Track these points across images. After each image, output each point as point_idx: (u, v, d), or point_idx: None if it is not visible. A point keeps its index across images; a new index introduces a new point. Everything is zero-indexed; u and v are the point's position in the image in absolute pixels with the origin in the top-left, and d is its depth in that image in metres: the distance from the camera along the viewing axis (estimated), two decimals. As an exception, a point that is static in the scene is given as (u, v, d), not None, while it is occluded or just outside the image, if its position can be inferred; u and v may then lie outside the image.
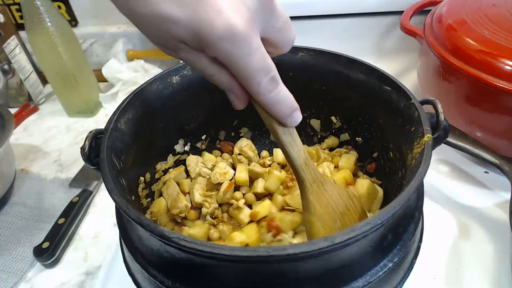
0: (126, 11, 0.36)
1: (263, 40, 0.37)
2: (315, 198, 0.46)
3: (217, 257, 0.33)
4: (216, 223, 0.59)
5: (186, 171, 0.66)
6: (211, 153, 0.70)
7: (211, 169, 0.64)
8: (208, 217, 0.59)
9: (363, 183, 0.56)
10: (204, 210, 0.59)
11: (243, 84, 0.38)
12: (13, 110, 0.96)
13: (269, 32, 0.38)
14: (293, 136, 0.45)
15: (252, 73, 0.36)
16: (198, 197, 0.60)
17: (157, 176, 0.63)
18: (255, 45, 0.35)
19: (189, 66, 0.59)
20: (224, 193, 0.59)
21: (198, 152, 0.69)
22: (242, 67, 0.36)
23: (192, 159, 0.66)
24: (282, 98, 0.40)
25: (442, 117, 0.44)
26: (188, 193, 0.62)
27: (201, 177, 0.63)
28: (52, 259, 0.64)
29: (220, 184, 0.61)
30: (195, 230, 0.57)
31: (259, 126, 0.71)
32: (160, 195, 0.62)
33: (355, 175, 0.63)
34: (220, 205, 0.61)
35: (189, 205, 0.59)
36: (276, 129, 0.43)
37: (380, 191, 0.58)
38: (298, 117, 0.42)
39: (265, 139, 0.72)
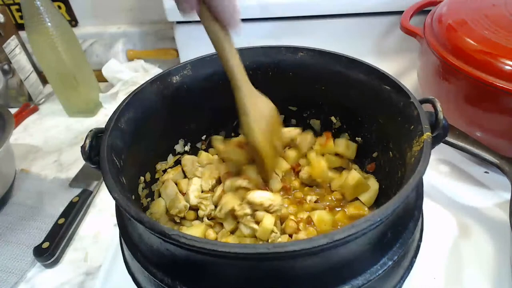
0: None
1: None
2: (250, 102, 0.51)
3: (216, 255, 0.33)
4: (213, 224, 0.59)
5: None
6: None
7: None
8: (205, 219, 0.59)
9: (354, 176, 0.58)
10: (200, 212, 0.59)
11: None
12: (13, 110, 0.96)
13: None
14: (232, 45, 0.50)
15: None
16: (193, 199, 0.60)
17: (157, 176, 0.63)
18: None
19: (189, 66, 0.59)
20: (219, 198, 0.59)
21: (198, 153, 0.69)
22: None
23: (187, 159, 0.66)
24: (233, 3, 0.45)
25: (441, 115, 0.44)
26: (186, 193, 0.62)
27: (196, 177, 0.63)
28: (52, 259, 0.64)
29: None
30: (193, 231, 0.56)
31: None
32: (159, 195, 0.62)
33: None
34: (216, 206, 0.61)
35: (188, 205, 0.59)
36: (220, 35, 0.48)
37: (374, 185, 0.59)
38: (239, 20, 0.47)
39: (265, 139, 0.72)
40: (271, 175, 0.59)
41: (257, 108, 0.53)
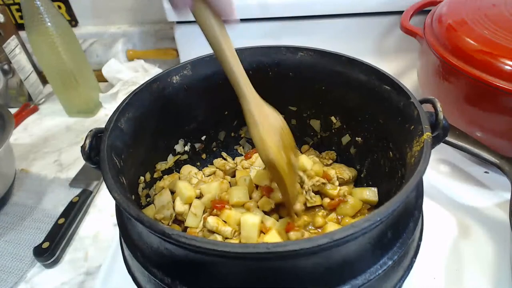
0: None
1: None
2: (258, 113, 0.47)
3: (216, 254, 0.33)
4: None
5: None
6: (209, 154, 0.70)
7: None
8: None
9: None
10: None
11: None
12: (13, 110, 0.96)
13: None
14: (232, 46, 0.46)
15: None
16: (179, 206, 0.59)
17: (156, 175, 0.62)
18: None
19: (189, 66, 0.59)
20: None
21: (197, 153, 0.69)
22: None
23: (186, 169, 0.66)
24: None
25: (441, 115, 0.44)
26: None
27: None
28: (52, 259, 0.64)
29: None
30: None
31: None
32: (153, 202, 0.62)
33: None
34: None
35: (174, 214, 0.59)
36: (218, 33, 0.44)
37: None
38: (235, 10, 0.44)
39: (265, 139, 0.72)
40: (294, 197, 0.54)
41: (266, 119, 0.48)
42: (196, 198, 0.60)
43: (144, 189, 0.59)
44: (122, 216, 0.47)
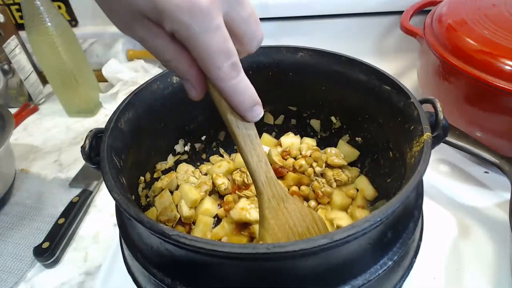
0: None
1: (228, 30, 0.35)
2: (272, 214, 0.43)
3: (217, 255, 0.33)
4: None
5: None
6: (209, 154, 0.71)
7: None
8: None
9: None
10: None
11: (202, 67, 0.36)
12: (13, 110, 0.97)
13: (234, 20, 0.35)
14: (254, 140, 0.42)
15: (212, 54, 0.34)
16: (186, 211, 0.59)
17: (156, 175, 0.63)
18: (216, 23, 0.33)
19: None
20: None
21: (197, 153, 0.69)
22: (201, 45, 0.33)
23: (182, 167, 0.66)
24: (243, 88, 0.38)
25: (441, 115, 0.44)
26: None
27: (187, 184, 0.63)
28: (52, 259, 0.64)
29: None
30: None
31: (259, 126, 0.71)
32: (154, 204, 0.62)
33: None
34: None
35: (178, 215, 0.59)
36: (235, 127, 0.40)
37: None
38: (259, 112, 0.40)
39: (265, 139, 0.72)
40: None
41: (282, 218, 0.43)
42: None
43: (144, 189, 0.59)
44: (122, 216, 0.47)
